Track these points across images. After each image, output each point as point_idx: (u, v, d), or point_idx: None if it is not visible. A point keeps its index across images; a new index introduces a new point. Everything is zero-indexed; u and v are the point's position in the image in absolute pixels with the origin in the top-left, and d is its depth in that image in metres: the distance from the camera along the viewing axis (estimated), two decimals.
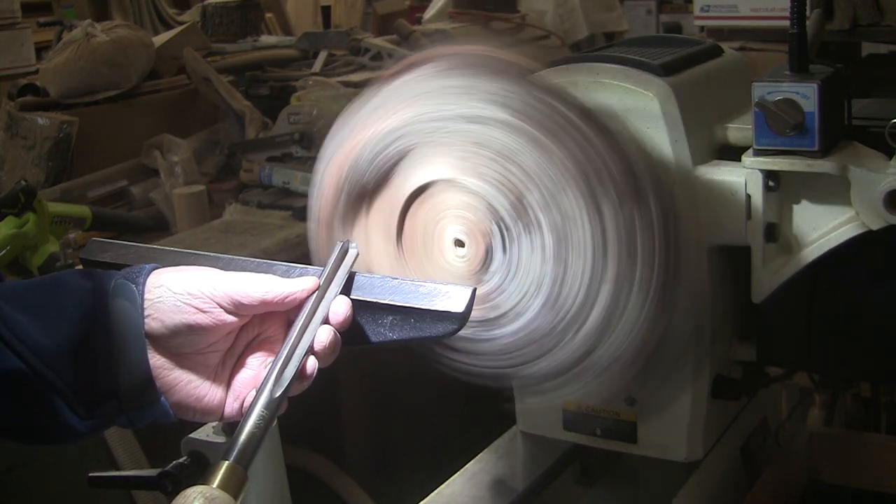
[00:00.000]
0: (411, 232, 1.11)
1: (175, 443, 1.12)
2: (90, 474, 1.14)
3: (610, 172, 1.04)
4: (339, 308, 0.92)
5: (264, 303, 0.91)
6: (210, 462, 1.08)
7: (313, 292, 0.92)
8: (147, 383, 0.89)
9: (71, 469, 1.82)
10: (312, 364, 0.90)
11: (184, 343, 0.90)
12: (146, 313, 0.89)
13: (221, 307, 0.90)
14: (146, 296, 0.89)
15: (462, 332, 0.97)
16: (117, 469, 1.89)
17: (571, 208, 1.03)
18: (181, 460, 1.09)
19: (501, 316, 1.05)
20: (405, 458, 2.51)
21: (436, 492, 1.42)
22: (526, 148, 1.04)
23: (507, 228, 1.05)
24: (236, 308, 0.90)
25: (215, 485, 0.80)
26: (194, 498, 0.78)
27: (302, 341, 0.89)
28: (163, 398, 0.90)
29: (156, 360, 0.89)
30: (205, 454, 1.10)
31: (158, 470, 1.08)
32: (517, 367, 1.06)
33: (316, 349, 0.90)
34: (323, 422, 2.30)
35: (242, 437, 0.84)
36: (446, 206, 1.09)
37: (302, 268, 0.96)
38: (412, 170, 1.09)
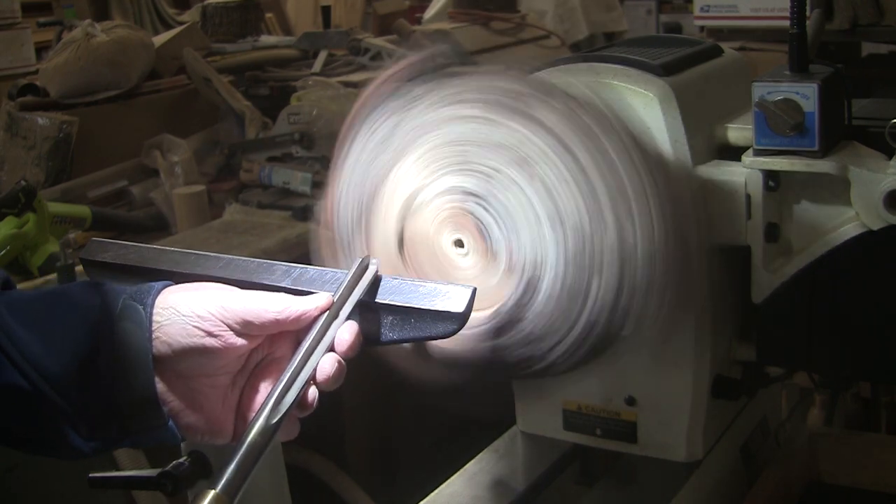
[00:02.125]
0: (422, 271, 1.12)
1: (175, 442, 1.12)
2: (90, 475, 1.14)
3: (523, 92, 1.07)
4: (345, 336, 0.89)
5: (277, 322, 0.88)
6: (210, 462, 1.08)
7: (326, 310, 0.90)
8: (153, 408, 0.86)
9: (71, 468, 1.82)
10: (314, 394, 0.87)
11: (192, 366, 0.87)
12: (154, 335, 0.86)
13: (232, 329, 0.87)
14: (154, 318, 0.87)
15: (523, 314, 1.01)
16: (117, 468, 1.89)
17: (510, 133, 1.05)
18: (181, 460, 1.09)
19: (534, 270, 1.05)
20: (405, 458, 2.51)
21: (436, 492, 1.42)
22: (442, 125, 1.08)
23: (476, 195, 1.07)
24: (247, 329, 0.88)
25: None
26: None
27: (305, 368, 0.87)
28: (170, 422, 0.88)
29: (163, 384, 0.87)
30: (205, 454, 1.09)
31: (158, 470, 1.08)
32: (582, 305, 1.04)
33: (319, 379, 0.87)
34: (323, 422, 2.30)
35: (232, 465, 0.82)
36: (429, 225, 1.10)
37: (302, 268, 0.95)
38: (378, 218, 1.12)
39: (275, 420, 0.84)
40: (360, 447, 2.48)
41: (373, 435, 2.50)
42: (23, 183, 2.15)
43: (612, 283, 1.04)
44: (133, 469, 1.86)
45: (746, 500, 1.42)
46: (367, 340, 0.93)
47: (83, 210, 2.41)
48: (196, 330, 0.87)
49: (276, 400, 0.85)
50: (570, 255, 1.03)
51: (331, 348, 0.89)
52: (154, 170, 2.66)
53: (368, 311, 0.92)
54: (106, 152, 2.71)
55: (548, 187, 1.04)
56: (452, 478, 1.45)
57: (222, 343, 0.87)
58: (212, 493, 0.80)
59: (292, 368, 0.87)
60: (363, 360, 1.01)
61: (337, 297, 0.90)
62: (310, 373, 0.87)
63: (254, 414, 0.88)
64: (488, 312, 1.07)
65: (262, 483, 1.13)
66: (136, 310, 0.87)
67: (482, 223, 1.07)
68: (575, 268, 1.03)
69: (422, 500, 1.40)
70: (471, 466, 1.48)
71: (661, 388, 1.37)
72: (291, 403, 0.86)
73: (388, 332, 0.92)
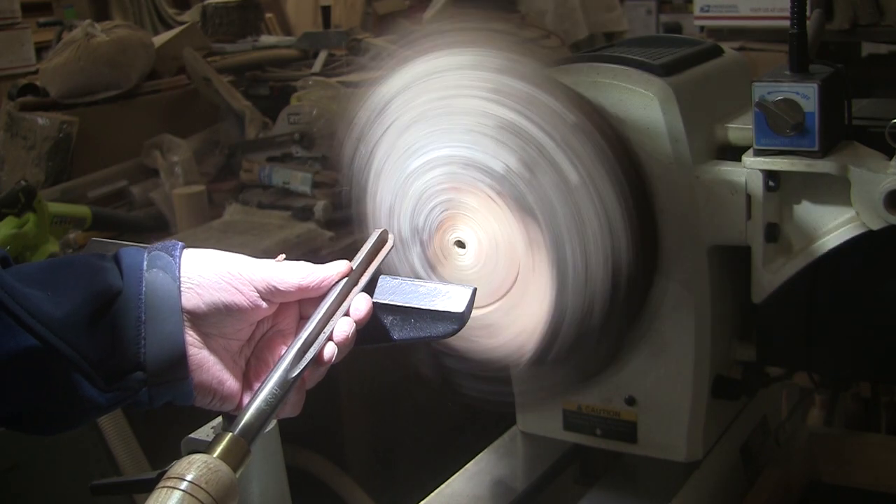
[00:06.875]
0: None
1: (175, 443, 1.12)
2: (92, 483, 1.14)
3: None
4: (361, 304, 0.91)
5: (300, 289, 0.90)
6: None
7: (345, 276, 0.92)
8: (179, 358, 0.86)
9: (72, 468, 1.82)
10: (331, 351, 0.88)
11: (216, 323, 0.88)
12: (184, 286, 0.87)
13: (258, 292, 0.89)
14: (184, 270, 0.88)
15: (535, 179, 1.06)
16: (117, 469, 1.89)
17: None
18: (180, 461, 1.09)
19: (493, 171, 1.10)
20: (405, 458, 2.51)
21: (436, 492, 1.42)
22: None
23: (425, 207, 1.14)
24: (271, 295, 0.89)
25: (216, 454, 0.79)
26: (194, 466, 0.77)
27: (327, 327, 0.89)
28: (190, 376, 0.87)
29: (188, 336, 0.87)
30: None
31: (158, 471, 1.08)
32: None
33: (336, 339, 0.89)
34: (323, 422, 2.30)
35: (250, 411, 0.83)
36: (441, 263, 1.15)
37: None
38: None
39: (294, 374, 0.86)
40: (360, 447, 2.48)
41: (372, 435, 2.50)
42: (23, 183, 2.15)
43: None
44: (134, 470, 1.86)
45: (746, 500, 1.42)
46: (368, 340, 0.93)
47: (83, 210, 2.41)
48: (228, 286, 0.88)
49: (296, 354, 0.87)
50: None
51: (345, 314, 0.91)
52: (154, 170, 2.66)
53: None
54: (106, 152, 2.71)
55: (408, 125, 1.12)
56: (452, 478, 1.45)
57: (249, 303, 0.88)
58: (229, 434, 0.81)
59: (312, 327, 0.88)
60: (363, 360, 1.01)
61: (356, 265, 0.93)
62: (328, 333, 0.89)
63: (259, 383, 0.89)
64: (520, 230, 1.10)
65: (263, 483, 1.14)
66: (165, 259, 0.88)
67: (444, 209, 1.12)
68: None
69: (422, 500, 1.40)
70: (471, 466, 1.48)
71: (661, 388, 1.37)
72: (310, 360, 0.87)
73: (388, 332, 0.92)
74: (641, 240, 1.12)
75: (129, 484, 1.18)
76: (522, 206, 1.09)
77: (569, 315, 1.11)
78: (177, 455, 1.10)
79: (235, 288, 0.88)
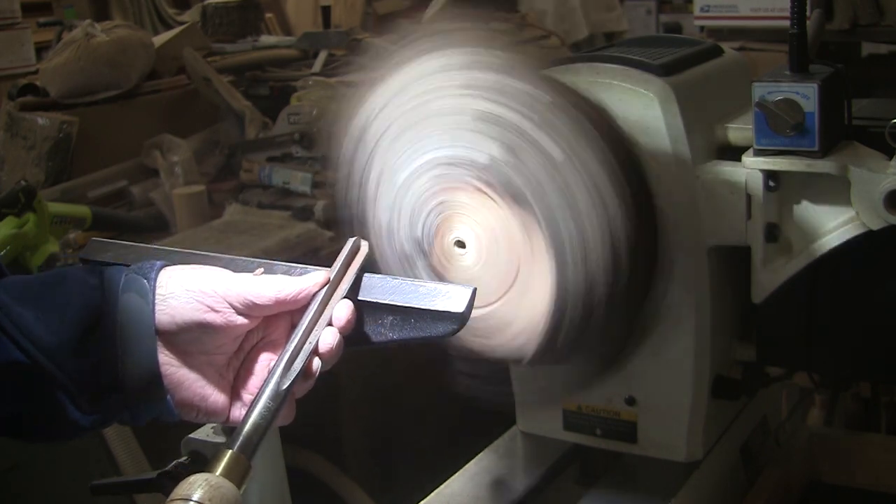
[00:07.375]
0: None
1: (175, 443, 1.12)
2: (92, 483, 1.14)
3: None
4: (342, 313, 0.91)
5: (278, 302, 0.90)
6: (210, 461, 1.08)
7: (324, 286, 0.92)
8: (154, 378, 0.88)
9: (72, 468, 1.82)
10: (317, 364, 0.89)
11: (193, 340, 0.89)
12: (158, 308, 0.88)
13: (234, 308, 0.89)
14: (158, 290, 0.89)
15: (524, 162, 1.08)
16: (117, 469, 1.89)
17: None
18: (181, 460, 1.09)
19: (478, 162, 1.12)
20: (405, 458, 2.51)
21: (436, 492, 1.42)
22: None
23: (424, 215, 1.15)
24: (249, 310, 0.90)
25: (218, 472, 0.80)
26: (198, 485, 0.77)
27: (311, 337, 0.89)
28: (168, 395, 0.89)
29: (164, 356, 0.88)
30: (205, 454, 1.09)
31: (158, 471, 1.08)
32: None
33: (321, 350, 0.89)
34: (323, 422, 2.30)
35: (247, 426, 0.84)
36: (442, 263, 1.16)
37: (302, 268, 0.96)
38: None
39: (285, 386, 0.86)
40: (360, 447, 2.48)
41: (372, 435, 2.50)
42: (23, 183, 2.15)
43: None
44: (134, 470, 1.86)
45: (746, 500, 1.42)
46: (368, 340, 0.93)
47: (83, 210, 2.41)
48: (200, 305, 0.88)
49: (284, 367, 0.87)
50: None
51: (329, 324, 0.91)
52: (154, 170, 2.66)
53: (369, 310, 0.93)
54: (106, 152, 2.71)
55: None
56: (452, 478, 1.45)
57: (224, 320, 0.89)
58: (229, 451, 0.82)
59: (297, 339, 0.89)
60: (363, 360, 1.01)
61: (333, 274, 0.93)
62: (313, 344, 0.89)
63: (249, 395, 0.91)
64: (514, 217, 1.12)
65: (263, 484, 1.13)
66: (140, 283, 0.89)
67: (440, 213, 1.13)
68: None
69: (422, 500, 1.40)
70: (471, 466, 1.48)
71: (661, 388, 1.37)
72: (300, 370, 0.87)
73: (388, 332, 0.92)
74: (635, 208, 1.13)
75: (129, 484, 1.18)
76: (512, 192, 1.09)
77: (572, 294, 1.11)
78: (177, 455, 1.10)
79: (208, 306, 0.88)
